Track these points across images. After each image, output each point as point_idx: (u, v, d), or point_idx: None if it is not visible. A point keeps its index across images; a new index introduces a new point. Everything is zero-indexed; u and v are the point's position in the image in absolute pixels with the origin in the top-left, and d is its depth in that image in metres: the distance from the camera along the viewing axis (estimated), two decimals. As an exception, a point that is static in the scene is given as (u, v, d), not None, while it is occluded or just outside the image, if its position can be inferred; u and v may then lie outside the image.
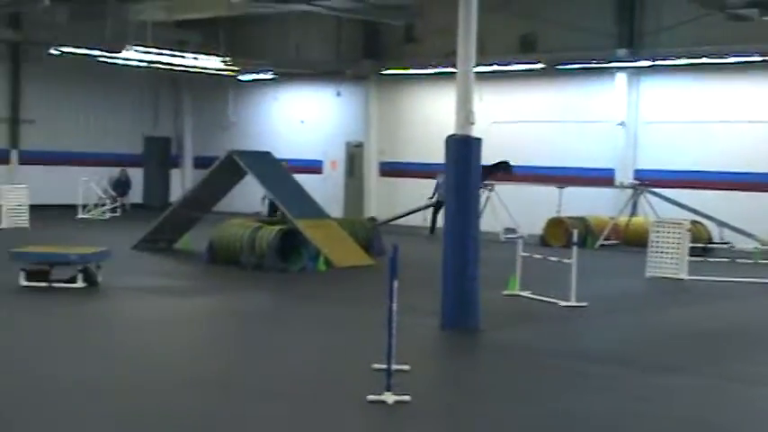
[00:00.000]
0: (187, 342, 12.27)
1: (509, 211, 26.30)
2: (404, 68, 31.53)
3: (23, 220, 26.60)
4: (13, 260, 15.93)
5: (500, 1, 25.11)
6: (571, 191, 26.58)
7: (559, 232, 24.40)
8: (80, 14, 29.75)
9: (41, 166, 33.87)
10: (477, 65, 13.36)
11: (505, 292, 15.96)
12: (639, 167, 27.56)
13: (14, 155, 34.17)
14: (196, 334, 12.95)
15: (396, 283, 9.05)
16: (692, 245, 19.68)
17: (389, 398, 8.81)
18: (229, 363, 10.90)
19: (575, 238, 15.54)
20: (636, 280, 18.88)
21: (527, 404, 9.29)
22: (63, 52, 30.26)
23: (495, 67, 27.76)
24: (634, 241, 24.07)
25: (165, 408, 8.82)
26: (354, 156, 33.88)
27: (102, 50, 29.91)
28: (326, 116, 34.52)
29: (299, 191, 21.21)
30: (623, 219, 25.25)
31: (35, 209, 27.34)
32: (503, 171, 26.75)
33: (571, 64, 27.95)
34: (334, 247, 19.49)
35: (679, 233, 19.31)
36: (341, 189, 33.80)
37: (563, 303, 14.97)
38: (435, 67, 29.45)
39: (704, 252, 22.11)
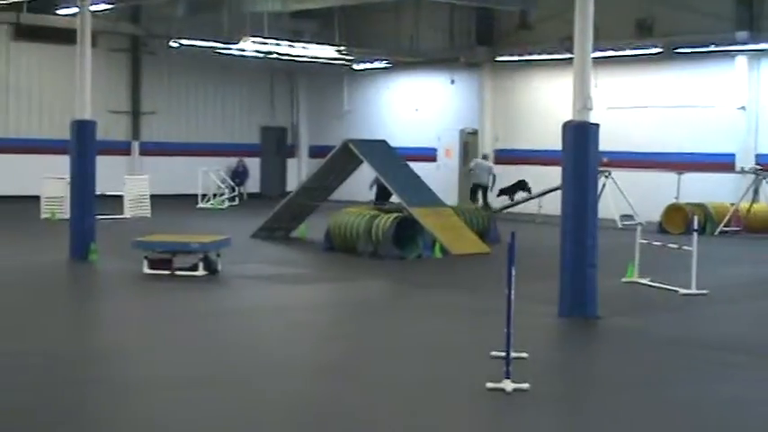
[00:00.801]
0: (306, 330, 12.42)
1: (626, 197, 25.96)
2: (518, 55, 31.31)
3: (145, 209, 27.25)
4: (137, 249, 16.33)
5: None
6: (690, 177, 26.12)
7: (678, 219, 24.00)
8: (198, 7, 30.32)
9: (162, 157, 34.59)
10: (594, 50, 13.22)
11: (624, 280, 15.79)
12: (761, 152, 26.91)
13: (135, 146, 34.95)
14: (314, 322, 13.10)
15: (514, 270, 9.04)
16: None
17: (508, 385, 8.80)
18: (348, 351, 11.01)
19: (695, 225, 15.30)
20: (758, 267, 18.49)
21: (646, 392, 9.19)
22: (182, 45, 30.84)
23: (611, 52, 27.38)
24: (756, 228, 23.57)
25: (288, 395, 8.96)
26: (469, 143, 33.80)
27: (219, 42, 30.38)
28: (440, 104, 34.50)
29: (415, 179, 21.27)
30: (744, 205, 24.71)
31: (156, 199, 27.96)
32: (521, 191, 28.43)
33: (689, 48, 27.41)
34: (450, 235, 19.50)
35: (803, 219, 18.84)
36: (455, 176, 33.76)
37: (683, 291, 14.73)
38: (550, 53, 29.19)
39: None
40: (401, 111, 35.54)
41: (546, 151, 26.96)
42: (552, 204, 24.22)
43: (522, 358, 9.61)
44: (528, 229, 23.86)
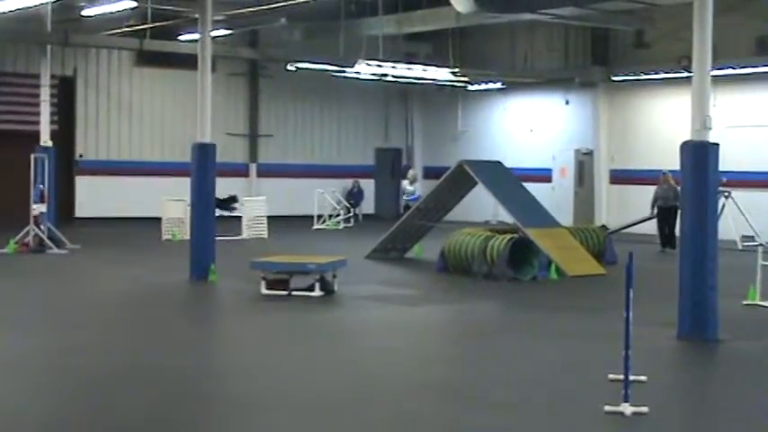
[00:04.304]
0: (420, 350, 12.47)
1: (747, 217, 25.42)
2: (634, 74, 30.98)
3: (262, 230, 27.66)
4: (255, 269, 16.60)
5: (736, 2, 24.34)
6: (814, 196, 25.48)
7: (801, 240, 23.40)
8: (314, 31, 30.70)
9: (278, 179, 35.06)
10: (712, 68, 13.05)
11: (745, 302, 15.47)
12: None
13: (253, 168, 35.50)
14: (429, 342, 13.14)
15: (632, 292, 8.96)
16: None
17: (627, 409, 8.72)
18: (463, 372, 11.03)
19: (818, 246, 14.93)
20: None
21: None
22: (298, 68, 31.26)
23: (730, 70, 26.89)
24: None
25: (404, 416, 9.02)
26: (584, 163, 33.51)
27: (335, 65, 30.72)
28: (555, 124, 34.29)
29: (530, 199, 21.19)
30: None
31: (273, 220, 28.36)
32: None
33: (812, 65, 26.80)
34: (566, 256, 19.36)
35: None
36: (570, 197, 33.48)
37: (807, 314, 14.40)
38: (667, 72, 28.81)
39: None
40: (516, 131, 35.42)
41: (662, 171, 26.49)
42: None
43: (641, 381, 9.49)
44: (646, 250, 23.53)
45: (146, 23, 27.69)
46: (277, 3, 26.02)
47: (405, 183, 30.72)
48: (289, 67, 31.31)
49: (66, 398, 9.54)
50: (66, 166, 31.11)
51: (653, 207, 25.71)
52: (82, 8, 24.21)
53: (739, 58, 27.29)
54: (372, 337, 13.19)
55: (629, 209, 30.02)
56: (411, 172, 31.62)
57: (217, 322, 14.99)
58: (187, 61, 25.46)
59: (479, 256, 18.87)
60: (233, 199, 27.62)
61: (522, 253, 18.99)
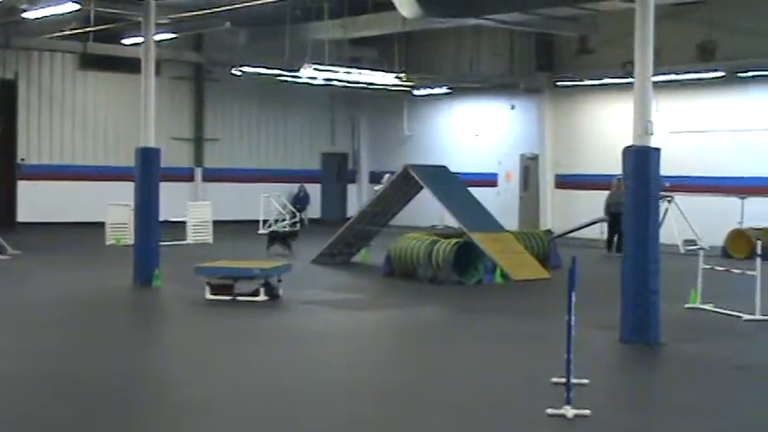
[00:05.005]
0: (367, 355, 12.46)
1: (689, 222, 25.71)
2: (578, 80, 31.24)
3: (207, 235, 27.51)
4: (199, 274, 16.50)
5: (677, 9, 24.62)
6: (754, 201, 25.79)
7: (742, 244, 23.72)
8: (260, 35, 30.64)
9: (224, 183, 34.90)
10: (654, 74, 13.18)
11: (687, 305, 15.63)
12: (827, 176, 26.55)
13: (198, 173, 35.31)
14: (375, 346, 13.14)
15: (574, 296, 9.02)
16: None
17: (569, 412, 8.77)
18: (409, 375, 11.04)
19: (758, 250, 15.12)
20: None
21: (710, 419, 9.11)
22: (244, 72, 31.18)
23: (673, 77, 27.20)
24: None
25: (352, 418, 9.00)
26: (529, 168, 33.74)
27: (281, 70, 30.67)
28: (500, 129, 34.48)
29: (476, 204, 21.27)
30: (810, 229, 24.35)
31: (218, 224, 28.23)
32: None
33: (751, 71, 27.15)
34: (511, 260, 19.46)
35: None
36: (515, 201, 33.69)
37: (747, 317, 14.56)
38: (610, 77, 29.08)
39: None
40: (461, 136, 35.56)
41: (607, 176, 26.73)
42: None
43: (583, 384, 9.57)
44: (591, 254, 23.73)
45: (89, 26, 27.46)
46: (222, 6, 25.94)
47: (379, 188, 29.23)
48: (234, 71, 31.25)
49: None
50: (8, 170, 30.75)
51: (606, 211, 25.91)
52: (23, 10, 23.92)
53: (682, 65, 27.62)
54: (317, 341, 13.16)
55: (574, 213, 30.27)
56: (387, 176, 30.58)
57: (160, 327, 14.89)
58: (131, 65, 25.25)
59: (425, 260, 18.92)
60: (294, 234, 25.71)
61: (467, 257, 19.07)
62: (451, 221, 23.87)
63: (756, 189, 26.61)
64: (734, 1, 24.63)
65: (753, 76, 27.27)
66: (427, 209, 27.53)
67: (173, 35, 28.29)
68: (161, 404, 9.47)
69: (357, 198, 38.34)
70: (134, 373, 10.88)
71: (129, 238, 22.29)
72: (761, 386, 10.52)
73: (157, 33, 21.12)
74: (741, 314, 14.70)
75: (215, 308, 15.50)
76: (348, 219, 25.78)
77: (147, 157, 18.13)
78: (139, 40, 20.27)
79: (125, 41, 28.76)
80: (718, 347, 12.85)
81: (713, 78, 27.71)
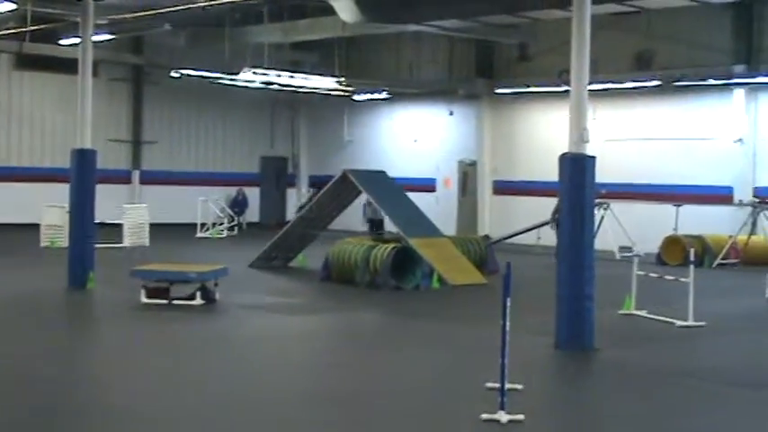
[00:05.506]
0: (302, 359, 12.44)
1: (625, 229, 26.00)
2: (516, 87, 31.43)
3: (144, 238, 27.28)
4: (134, 277, 16.36)
5: (614, 18, 24.89)
6: (688, 209, 26.14)
7: (676, 251, 24.03)
8: (199, 38, 30.45)
9: (162, 186, 34.65)
10: (591, 82, 13.30)
11: (621, 311, 15.79)
12: (759, 185, 26.96)
13: (136, 175, 35.03)
14: (311, 351, 13.11)
15: (509, 302, 9.07)
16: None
17: (503, 417, 8.82)
18: (345, 381, 11.02)
19: (692, 257, 15.32)
20: (755, 300, 18.47)
21: (642, 424, 9.20)
22: (183, 75, 30.99)
23: (610, 85, 27.50)
24: (754, 260, 23.57)
25: (283, 423, 8.97)
26: (467, 174, 33.88)
27: (220, 73, 30.53)
28: (439, 135, 34.60)
29: (413, 209, 21.31)
30: (742, 237, 24.75)
31: (155, 227, 27.98)
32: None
33: (688, 81, 27.50)
34: (448, 266, 19.53)
35: (800, 252, 18.86)
36: (454, 207, 33.81)
37: (680, 323, 14.75)
38: (548, 85, 29.31)
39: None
40: (401, 141, 35.64)
41: (544, 183, 26.96)
42: (551, 235, 24.32)
43: (518, 390, 9.63)
44: (526, 259, 23.89)
45: (26, 26, 27.10)
46: (162, 8, 25.74)
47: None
48: (173, 74, 31.03)
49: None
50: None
51: (552, 218, 26.07)
52: (-42, 9, 23.59)
53: (619, 74, 27.93)
54: (254, 346, 13.11)
55: (512, 219, 30.46)
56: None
57: (94, 331, 14.73)
58: (68, 65, 24.97)
59: (363, 264, 18.92)
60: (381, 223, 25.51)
61: (405, 262, 19.10)
62: (390, 226, 23.90)
63: (691, 197, 26.95)
64: (671, 11, 24.91)
65: (688, 86, 27.63)
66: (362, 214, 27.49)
67: (111, 36, 28.02)
68: (89, 409, 9.37)
69: (296, 202, 38.23)
70: (62, 377, 10.76)
71: (64, 241, 22.01)
72: (693, 392, 10.65)
73: (96, 34, 20.92)
74: (674, 320, 14.89)
75: (150, 312, 15.37)
76: (287, 223, 25.70)
77: (83, 158, 17.94)
78: (77, 40, 20.06)
79: (63, 42, 28.45)
80: (651, 353, 12.99)
81: (650, 87, 28.04)
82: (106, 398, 9.86)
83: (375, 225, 25.77)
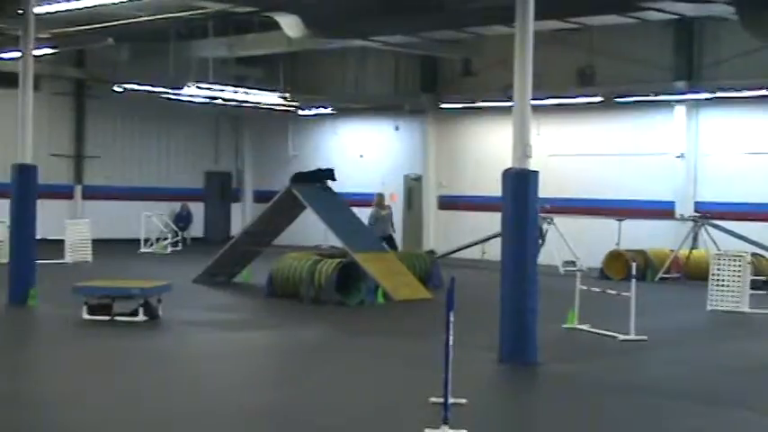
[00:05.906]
0: (245, 375, 12.37)
1: (568, 243, 26.19)
2: (462, 102, 31.57)
3: (86, 254, 26.99)
4: (76, 294, 16.18)
5: (557, 34, 25.11)
6: (630, 223, 26.41)
7: (619, 265, 24.23)
8: (143, 52, 30.29)
9: (104, 201, 34.36)
10: (535, 98, 13.39)
11: (564, 326, 15.89)
12: (699, 200, 27.29)
13: (78, 190, 34.71)
14: (254, 367, 13.05)
15: (452, 316, 9.07)
16: (753, 278, 19.49)
17: (446, 431, 8.81)
18: (289, 397, 10.97)
19: (634, 271, 15.46)
20: (697, 313, 18.69)
21: (585, 438, 9.25)
22: (126, 89, 30.76)
23: (553, 100, 27.72)
24: (695, 274, 23.83)
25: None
26: (413, 189, 33.96)
27: (164, 87, 30.36)
28: (385, 150, 34.66)
29: (359, 224, 21.31)
30: (684, 252, 25.02)
31: (98, 243, 27.72)
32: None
33: (629, 97, 27.80)
34: (393, 281, 19.54)
35: (740, 266, 19.12)
36: (399, 222, 33.83)
37: (622, 337, 14.86)
38: (493, 100, 29.47)
39: (765, 285, 21.77)
40: (346, 156, 35.61)
41: (490, 197, 27.08)
42: (496, 250, 24.40)
43: (461, 404, 9.64)
44: (471, 274, 23.95)
45: (-35, 40, 26.77)
46: (104, 22, 25.57)
47: (374, 209, 26.22)
48: (116, 88, 30.80)
49: None
50: None
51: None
52: None
53: (562, 89, 28.17)
54: (197, 362, 13.01)
55: (457, 234, 30.58)
56: (380, 195, 27.53)
57: (34, 348, 14.52)
58: (9, 80, 24.66)
59: (307, 280, 18.87)
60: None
61: (349, 277, 19.07)
62: (335, 241, 23.84)
63: (633, 212, 27.25)
64: (613, 28, 25.17)
65: (630, 102, 27.94)
66: (312, 229, 27.45)
67: (53, 50, 27.77)
68: (32, 428, 9.23)
69: (241, 217, 38.06)
70: (4, 395, 10.59)
71: (4, 256, 21.72)
72: (636, 405, 10.72)
73: (37, 48, 20.70)
74: (617, 334, 15.00)
75: (92, 328, 15.21)
76: (231, 238, 25.59)
77: (24, 173, 17.75)
78: (18, 54, 19.84)
79: (3, 56, 28.09)
80: (594, 367, 13.08)
81: (592, 103, 28.30)
82: (50, 416, 9.71)
83: (386, 241, 24.34)
